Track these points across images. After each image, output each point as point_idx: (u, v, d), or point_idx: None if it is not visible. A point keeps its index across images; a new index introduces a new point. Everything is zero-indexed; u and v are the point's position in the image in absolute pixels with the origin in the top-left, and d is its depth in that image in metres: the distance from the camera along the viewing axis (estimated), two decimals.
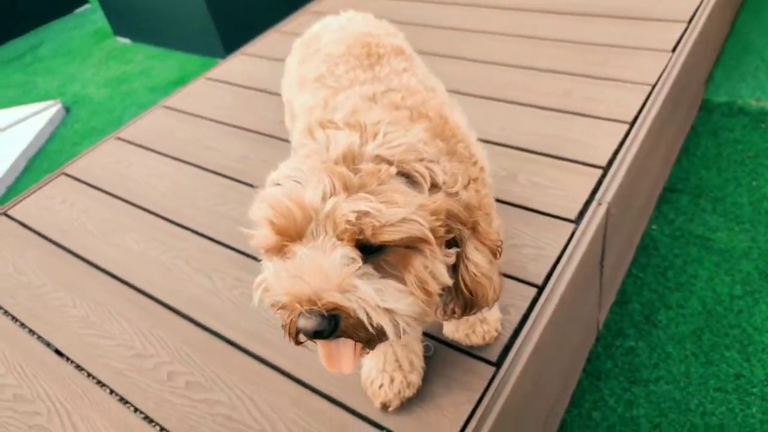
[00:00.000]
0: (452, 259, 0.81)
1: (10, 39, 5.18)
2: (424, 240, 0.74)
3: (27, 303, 1.58)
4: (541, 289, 1.35)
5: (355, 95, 0.94)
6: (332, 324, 0.69)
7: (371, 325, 0.70)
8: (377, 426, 1.16)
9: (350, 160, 0.74)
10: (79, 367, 1.39)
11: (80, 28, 5.14)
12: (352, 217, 0.69)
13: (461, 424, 1.13)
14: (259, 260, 0.82)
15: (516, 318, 1.30)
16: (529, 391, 1.29)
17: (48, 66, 4.59)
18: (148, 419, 1.25)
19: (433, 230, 0.74)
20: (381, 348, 1.14)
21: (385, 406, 1.15)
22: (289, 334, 0.74)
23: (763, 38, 3.02)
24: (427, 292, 0.76)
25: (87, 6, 5.59)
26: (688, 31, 2.13)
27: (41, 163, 3.39)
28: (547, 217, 1.53)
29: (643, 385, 1.72)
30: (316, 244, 0.71)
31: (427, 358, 1.23)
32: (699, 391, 1.69)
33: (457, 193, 0.80)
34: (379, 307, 0.70)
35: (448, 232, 0.79)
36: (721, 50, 2.96)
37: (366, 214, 0.69)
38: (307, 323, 0.68)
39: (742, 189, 2.25)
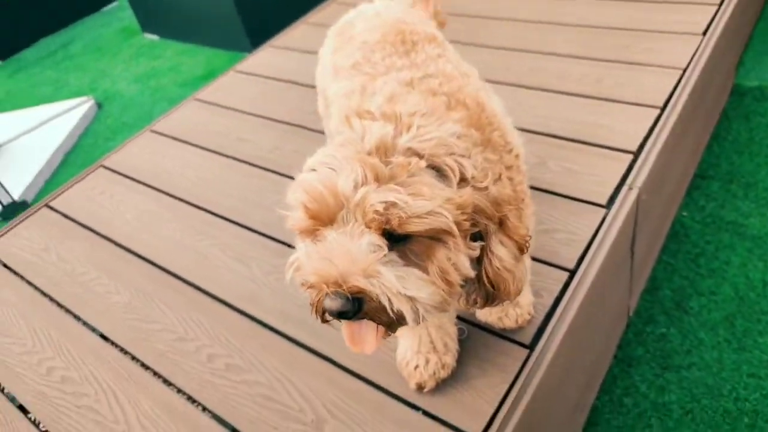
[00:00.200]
0: (476, 252, 0.83)
1: (42, 37, 5.31)
2: (448, 232, 0.76)
3: (71, 290, 1.64)
4: (573, 273, 1.36)
5: (392, 81, 0.97)
6: (356, 306, 0.73)
7: (392, 310, 0.73)
8: (413, 406, 1.18)
9: (383, 151, 0.76)
10: (123, 351, 1.44)
11: (109, 26, 5.24)
12: (380, 207, 0.72)
13: (496, 404, 1.15)
14: (293, 247, 0.86)
15: (548, 301, 1.31)
16: (561, 374, 1.30)
17: (79, 63, 4.70)
18: (191, 399, 1.30)
19: (458, 223, 0.76)
20: (416, 330, 1.16)
21: (420, 387, 1.18)
22: (316, 312, 0.78)
23: None
24: (449, 283, 0.79)
25: (115, 3, 5.69)
26: (719, 15, 2.10)
27: (76, 157, 3.49)
28: (579, 203, 1.53)
29: (675, 371, 1.72)
30: (345, 229, 0.74)
31: (461, 341, 1.25)
32: (732, 377, 1.68)
33: (486, 188, 0.82)
34: (400, 293, 0.73)
35: (473, 225, 0.81)
36: (751, 34, 2.91)
37: (393, 204, 0.72)
38: (332, 303, 0.72)
39: None
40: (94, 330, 1.52)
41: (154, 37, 4.72)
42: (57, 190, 2.07)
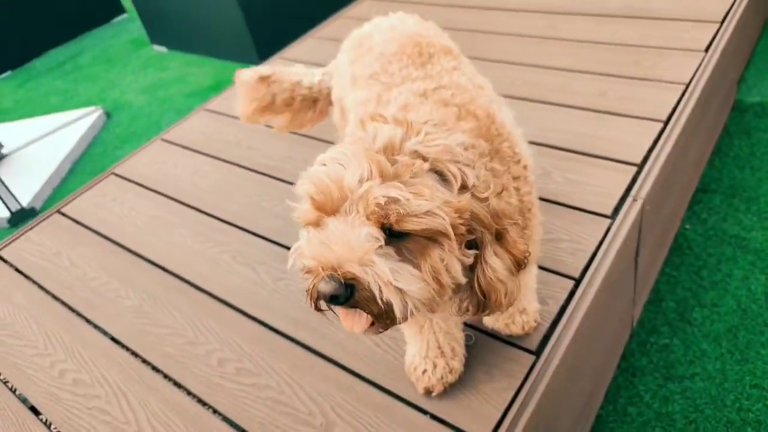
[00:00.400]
0: (470, 260, 0.85)
1: (51, 48, 5.38)
2: (444, 234, 0.79)
3: (83, 294, 1.67)
4: (578, 281, 1.39)
5: (407, 91, 1.00)
6: (348, 292, 0.75)
7: (381, 300, 0.76)
8: (421, 410, 1.20)
9: (390, 150, 0.80)
10: (134, 354, 1.46)
11: (118, 37, 5.31)
12: (381, 201, 0.75)
13: (503, 409, 1.17)
14: None
15: (554, 309, 1.34)
16: (566, 381, 1.32)
17: (88, 74, 4.76)
18: (202, 402, 1.32)
19: (454, 227, 0.79)
20: (424, 335, 1.19)
21: (428, 392, 1.20)
22: (311, 298, 0.80)
23: None
24: (439, 283, 0.81)
25: (124, 15, 5.77)
26: (721, 32, 2.14)
27: (85, 165, 3.53)
28: (583, 213, 1.56)
29: (679, 382, 1.74)
30: (346, 219, 0.77)
31: (469, 347, 1.27)
32: (735, 388, 1.70)
33: (486, 199, 0.85)
34: (391, 284, 0.76)
35: (469, 232, 0.84)
36: (753, 51, 2.95)
37: (395, 200, 0.75)
38: (326, 287, 0.74)
39: None
40: (105, 333, 1.54)
41: (163, 49, 4.78)
42: (68, 196, 2.10)
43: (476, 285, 0.87)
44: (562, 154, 1.77)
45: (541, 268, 1.43)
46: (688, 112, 1.81)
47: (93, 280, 1.71)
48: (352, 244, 0.75)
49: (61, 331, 1.56)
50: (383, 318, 0.80)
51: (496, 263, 0.87)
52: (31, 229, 1.97)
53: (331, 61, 1.60)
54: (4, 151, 3.63)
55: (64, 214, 2.01)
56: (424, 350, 1.20)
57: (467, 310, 0.91)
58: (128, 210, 1.96)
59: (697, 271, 2.03)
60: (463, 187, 0.82)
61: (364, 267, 0.75)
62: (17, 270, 1.81)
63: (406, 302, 0.77)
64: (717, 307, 1.90)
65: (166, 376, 1.39)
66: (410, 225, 0.76)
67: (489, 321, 1.29)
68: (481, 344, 1.29)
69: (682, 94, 1.89)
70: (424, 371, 1.20)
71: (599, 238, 1.48)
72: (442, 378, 1.19)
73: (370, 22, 1.27)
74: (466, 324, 1.32)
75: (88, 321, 1.59)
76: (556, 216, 1.57)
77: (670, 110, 1.83)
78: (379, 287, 0.75)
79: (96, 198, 2.06)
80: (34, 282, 1.75)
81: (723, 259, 2.04)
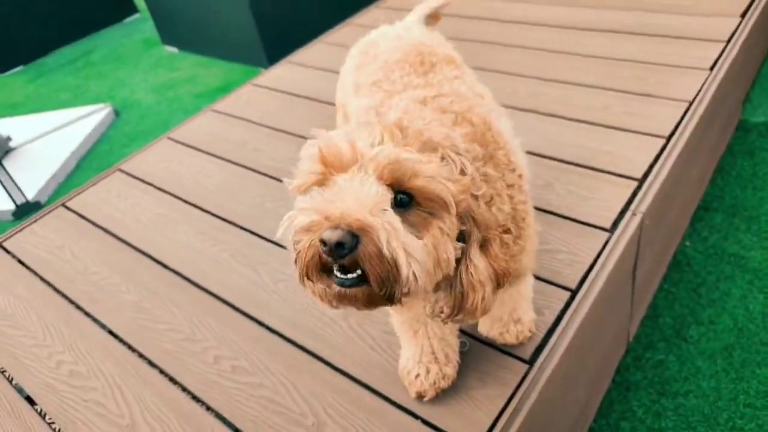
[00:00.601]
0: (458, 252, 0.85)
1: (64, 45, 5.44)
2: (446, 207, 0.80)
3: (84, 287, 1.68)
4: (574, 293, 1.39)
5: (407, 98, 1.02)
6: (354, 241, 0.71)
7: (387, 256, 0.73)
8: (412, 414, 1.21)
9: (399, 126, 0.82)
10: (131, 348, 1.48)
11: (130, 37, 5.37)
12: (392, 158, 0.76)
13: (494, 416, 1.17)
14: None
15: (550, 319, 1.34)
16: (559, 391, 1.32)
17: (99, 71, 4.81)
18: (196, 399, 1.33)
19: (455, 204, 0.80)
20: (418, 340, 1.19)
21: (420, 396, 1.21)
22: (305, 265, 0.76)
23: None
24: (437, 259, 0.80)
25: (137, 15, 5.83)
26: (726, 51, 2.16)
27: (91, 162, 3.56)
28: (583, 225, 1.57)
29: (672, 398, 1.74)
30: (356, 176, 0.77)
31: (463, 353, 1.28)
32: (729, 407, 1.69)
33: (478, 198, 0.86)
34: (399, 238, 0.74)
35: (461, 221, 0.84)
36: (759, 71, 2.97)
37: (406, 160, 0.77)
38: (332, 234, 0.71)
39: None
40: (104, 327, 1.55)
41: (174, 49, 4.82)
42: (74, 190, 2.12)
43: (458, 283, 0.87)
44: (564, 166, 1.78)
45: (538, 278, 1.44)
46: (691, 129, 1.82)
47: (94, 274, 1.73)
48: (361, 197, 0.74)
49: (60, 324, 1.58)
50: (385, 285, 0.75)
51: (480, 263, 0.88)
52: (35, 221, 1.99)
53: (341, 67, 1.62)
54: (12, 144, 3.66)
55: (68, 208, 2.03)
56: (417, 355, 1.21)
57: (441, 312, 0.91)
58: (132, 206, 1.98)
59: (696, 288, 2.03)
60: (462, 174, 0.84)
61: (375, 217, 0.73)
62: (20, 262, 1.83)
63: (410, 264, 0.75)
64: (714, 324, 1.90)
65: (162, 372, 1.41)
66: (420, 182, 0.77)
67: (484, 329, 1.30)
68: (476, 351, 1.30)
69: (685, 112, 1.90)
70: (417, 376, 1.20)
71: (597, 250, 1.49)
72: (434, 383, 1.20)
73: (378, 30, 1.29)
74: (461, 331, 1.33)
75: (87, 314, 1.60)
76: (555, 227, 1.58)
77: (672, 127, 1.84)
78: (387, 238, 0.72)
79: (101, 193, 2.08)
80: (36, 274, 1.77)
81: (722, 277, 2.05)
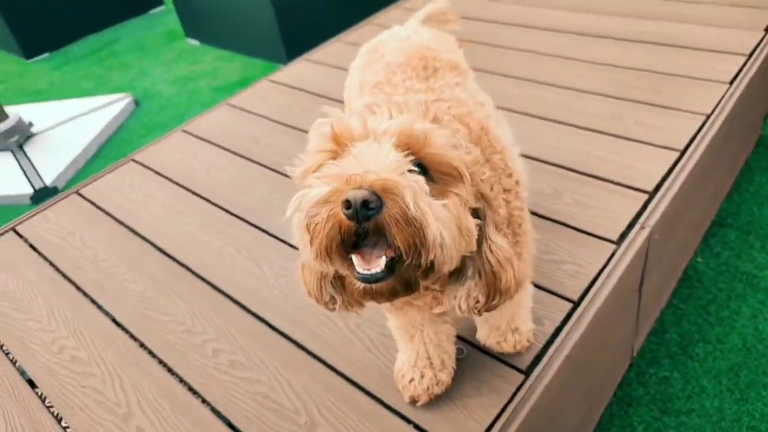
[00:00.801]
0: (476, 229, 0.82)
1: (89, 34, 5.52)
2: (461, 176, 0.79)
3: (92, 275, 1.71)
4: (576, 304, 1.38)
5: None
6: (379, 202, 0.67)
7: (415, 216, 0.69)
8: (405, 419, 1.21)
9: (405, 105, 0.83)
10: (133, 337, 1.49)
11: (154, 28, 5.43)
12: (406, 126, 0.76)
13: (486, 425, 1.17)
14: None
15: (550, 330, 1.33)
16: (555, 404, 1.31)
17: (122, 61, 4.88)
18: (193, 391, 1.34)
19: (470, 175, 0.79)
20: (414, 344, 1.19)
21: (413, 401, 1.20)
22: (324, 241, 0.71)
23: None
24: (459, 225, 0.77)
25: (161, 8, 5.90)
26: (748, 65, 2.12)
27: (110, 151, 3.61)
28: (589, 236, 1.55)
29: (674, 416, 1.71)
30: (372, 144, 0.75)
31: (459, 360, 1.27)
32: (731, 428, 1.66)
33: (482, 182, 0.86)
34: (425, 200, 0.71)
35: (474, 197, 0.83)
36: None
37: (420, 128, 0.77)
38: (357, 193, 0.66)
39: None
40: (108, 315, 1.57)
41: (196, 42, 4.87)
42: (88, 178, 2.15)
43: (486, 264, 0.85)
44: (574, 175, 1.76)
45: (540, 288, 1.43)
46: (706, 143, 1.79)
47: (103, 261, 1.75)
48: (381, 161, 0.71)
49: (66, 309, 1.60)
50: (409, 249, 0.70)
51: (500, 240, 0.86)
52: (48, 207, 2.03)
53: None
54: (34, 130, 3.73)
55: (82, 196, 2.06)
56: (413, 359, 1.20)
57: (477, 303, 0.87)
58: (144, 197, 2.01)
59: (705, 305, 2.00)
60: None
61: (400, 177, 0.70)
62: (32, 246, 1.86)
63: (437, 226, 0.71)
64: (721, 343, 1.87)
65: (161, 362, 1.42)
66: (434, 150, 0.76)
67: (481, 337, 1.29)
68: (472, 359, 1.29)
69: (702, 125, 1.87)
70: (411, 380, 1.20)
71: (603, 262, 1.47)
72: (428, 389, 1.19)
73: (389, 30, 1.29)
74: (459, 338, 1.33)
75: (93, 301, 1.62)
76: (561, 237, 1.56)
77: (687, 140, 1.81)
78: (414, 198, 0.69)
79: (114, 182, 2.11)
80: (46, 259, 1.80)
81: (733, 295, 2.01)
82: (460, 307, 0.89)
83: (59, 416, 1.34)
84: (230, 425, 1.25)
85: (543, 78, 2.28)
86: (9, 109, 3.66)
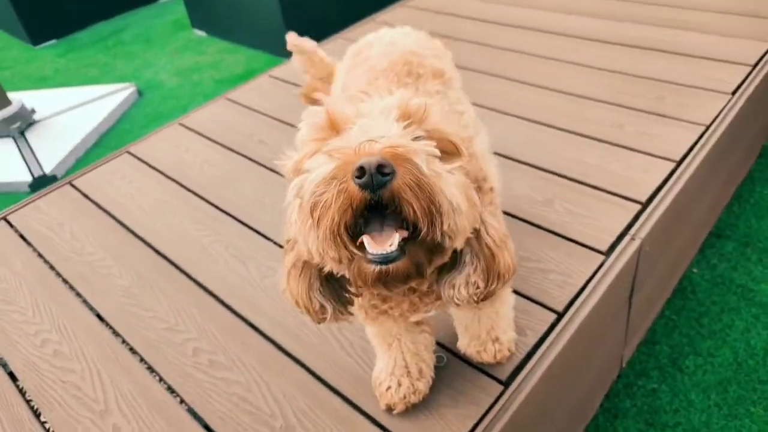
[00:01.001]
0: (479, 204, 0.83)
1: (97, 21, 5.52)
2: (458, 150, 0.78)
3: (78, 268, 1.70)
4: (561, 315, 1.36)
5: None
6: (392, 168, 0.65)
7: (428, 182, 0.67)
8: (380, 426, 1.19)
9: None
10: (116, 333, 1.49)
11: (161, 18, 5.42)
12: (404, 102, 0.76)
13: None
14: None
15: (532, 341, 1.31)
16: (534, 416, 1.29)
17: (128, 50, 4.87)
18: (171, 389, 1.33)
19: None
20: (392, 353, 1.18)
21: (389, 408, 1.19)
22: (334, 219, 0.67)
23: None
24: (466, 195, 0.76)
25: None
26: (752, 76, 2.08)
27: (110, 140, 3.61)
28: (579, 246, 1.53)
29: (661, 429, 1.69)
30: (375, 117, 0.75)
31: (439, 369, 1.26)
32: None
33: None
34: (437, 165, 0.71)
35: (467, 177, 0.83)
36: None
37: (417, 103, 0.76)
38: (371, 159, 0.64)
39: None
40: (92, 309, 1.57)
41: (202, 33, 4.86)
42: (82, 169, 2.15)
43: (483, 246, 0.84)
44: (567, 183, 1.74)
45: (526, 297, 1.41)
46: (704, 155, 1.76)
47: (90, 254, 1.75)
48: (388, 130, 0.71)
49: (50, 302, 1.60)
50: (425, 217, 0.68)
51: (494, 221, 0.86)
52: (41, 197, 2.03)
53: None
54: (36, 117, 3.73)
55: (74, 187, 2.06)
56: (390, 367, 1.19)
57: (477, 288, 0.85)
58: (136, 190, 2.00)
59: (698, 317, 1.97)
60: None
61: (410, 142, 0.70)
62: (21, 236, 1.86)
63: (450, 192, 0.70)
64: (712, 357, 1.84)
65: (142, 360, 1.42)
66: (432, 123, 0.76)
67: (462, 345, 1.28)
68: (452, 368, 1.28)
69: (700, 136, 1.84)
70: (388, 388, 1.19)
71: (590, 273, 1.45)
72: (404, 397, 1.18)
73: (377, 33, 1.27)
74: (440, 345, 1.31)
75: (78, 294, 1.62)
76: (550, 246, 1.54)
77: (684, 151, 1.78)
78: (427, 165, 0.68)
79: (107, 174, 2.11)
80: (35, 249, 1.80)
81: (726, 308, 1.98)
82: (458, 297, 0.86)
83: (38, 411, 1.34)
84: (206, 426, 1.25)
85: (543, 82, 2.25)
86: (12, 95, 3.66)
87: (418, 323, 1.15)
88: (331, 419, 1.22)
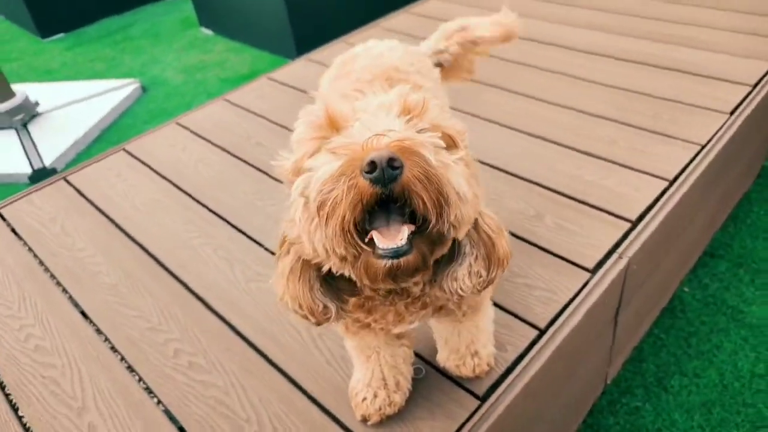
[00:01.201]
0: (480, 194, 0.83)
1: (106, 16, 5.55)
2: (455, 143, 0.79)
3: (66, 263, 1.71)
4: (542, 332, 1.35)
5: None
6: (401, 161, 0.65)
7: (436, 174, 0.67)
8: None
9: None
10: (99, 331, 1.49)
11: (169, 15, 5.45)
12: (403, 95, 0.77)
13: None
14: None
15: (511, 356, 1.31)
16: (513, 430, 1.29)
17: (136, 46, 4.90)
18: (149, 390, 1.33)
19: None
20: (369, 364, 1.17)
21: (364, 419, 1.19)
22: (346, 215, 0.67)
23: None
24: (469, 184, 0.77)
25: None
26: (751, 96, 2.07)
27: (112, 135, 3.62)
28: (565, 263, 1.53)
29: None
30: (377, 113, 0.76)
31: (417, 381, 1.26)
32: None
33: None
34: (444, 156, 0.71)
35: None
36: None
37: (416, 97, 0.77)
38: (381, 153, 0.64)
39: None
40: (77, 306, 1.57)
41: (209, 32, 4.88)
42: (77, 165, 2.16)
43: (483, 234, 0.84)
44: (558, 198, 1.73)
45: (509, 312, 1.40)
46: (698, 174, 1.75)
47: (80, 251, 1.76)
48: (392, 124, 0.72)
49: (36, 297, 1.61)
50: (435, 208, 0.69)
51: (487, 209, 0.86)
52: (35, 191, 2.04)
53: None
54: (39, 109, 3.76)
55: (68, 182, 2.07)
56: (367, 378, 1.19)
57: (480, 278, 0.85)
58: (129, 187, 2.01)
59: (687, 337, 1.96)
60: None
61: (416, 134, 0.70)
62: (13, 230, 1.87)
63: (456, 182, 0.71)
64: (698, 378, 1.83)
65: (122, 359, 1.42)
66: (431, 116, 0.77)
67: (441, 359, 1.27)
68: (430, 381, 1.28)
69: (695, 155, 1.83)
70: (364, 399, 1.19)
71: (575, 291, 1.45)
72: (380, 409, 1.18)
73: (365, 44, 1.27)
74: (419, 356, 1.31)
75: (64, 290, 1.63)
76: (537, 262, 1.54)
77: (678, 170, 1.77)
78: (434, 156, 0.68)
79: (102, 171, 2.11)
80: (26, 243, 1.81)
81: (715, 329, 1.97)
82: (462, 288, 0.85)
83: (16, 405, 1.34)
84: (181, 429, 1.25)
85: (543, 95, 2.25)
86: (16, 88, 3.69)
87: (398, 336, 1.15)
88: (307, 427, 1.21)
